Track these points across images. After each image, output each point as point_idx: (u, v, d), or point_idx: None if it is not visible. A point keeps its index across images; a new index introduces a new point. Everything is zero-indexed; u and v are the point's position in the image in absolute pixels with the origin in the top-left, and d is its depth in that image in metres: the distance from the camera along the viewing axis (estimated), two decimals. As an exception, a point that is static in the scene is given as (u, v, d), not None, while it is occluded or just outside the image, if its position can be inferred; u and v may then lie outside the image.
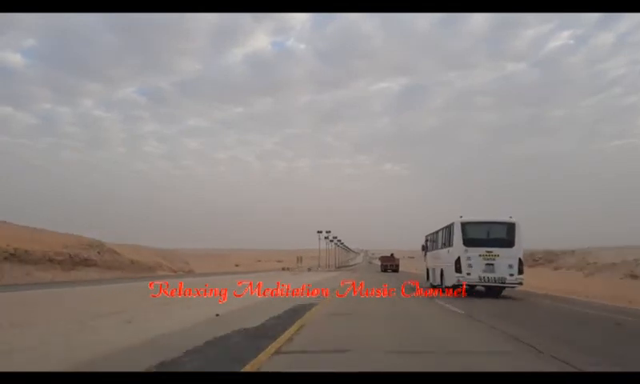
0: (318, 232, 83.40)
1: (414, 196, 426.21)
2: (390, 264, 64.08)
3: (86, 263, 37.63)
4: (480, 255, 17.11)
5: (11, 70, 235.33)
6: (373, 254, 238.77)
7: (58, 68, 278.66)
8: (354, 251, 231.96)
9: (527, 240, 18.84)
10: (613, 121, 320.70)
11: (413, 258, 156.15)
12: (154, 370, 5.34)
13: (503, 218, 18.05)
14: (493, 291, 18.08)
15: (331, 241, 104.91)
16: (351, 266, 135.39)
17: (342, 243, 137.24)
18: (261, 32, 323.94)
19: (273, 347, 6.83)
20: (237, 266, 73.91)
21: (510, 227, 17.52)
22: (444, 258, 19.66)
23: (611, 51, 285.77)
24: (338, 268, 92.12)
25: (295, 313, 11.58)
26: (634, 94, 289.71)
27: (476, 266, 17.08)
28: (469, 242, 17.51)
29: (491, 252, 17.12)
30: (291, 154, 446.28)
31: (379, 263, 72.63)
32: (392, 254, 69.21)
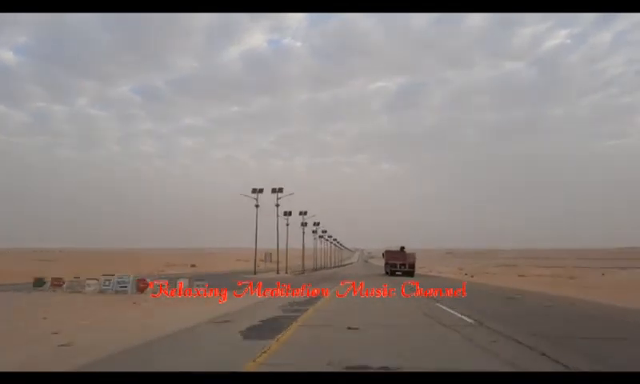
0: (255, 191, 53.33)
1: (412, 195, 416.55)
2: (400, 263, 46.67)
3: None
4: None
5: (3, 68, 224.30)
6: (369, 252, 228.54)
7: (51, 65, 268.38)
8: (349, 250, 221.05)
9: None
10: (610, 120, 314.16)
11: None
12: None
13: None
14: None
15: (328, 239, 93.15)
16: (344, 265, 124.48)
17: (336, 241, 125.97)
18: (257, 30, 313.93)
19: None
20: (193, 266, 62.40)
21: None
22: None
23: (609, 50, 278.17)
24: (313, 271, 68.93)
25: None
26: (629, 94, 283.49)
27: None
28: None
29: None
30: (288, 153, 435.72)
31: (382, 262, 52.57)
32: (403, 248, 49.21)
